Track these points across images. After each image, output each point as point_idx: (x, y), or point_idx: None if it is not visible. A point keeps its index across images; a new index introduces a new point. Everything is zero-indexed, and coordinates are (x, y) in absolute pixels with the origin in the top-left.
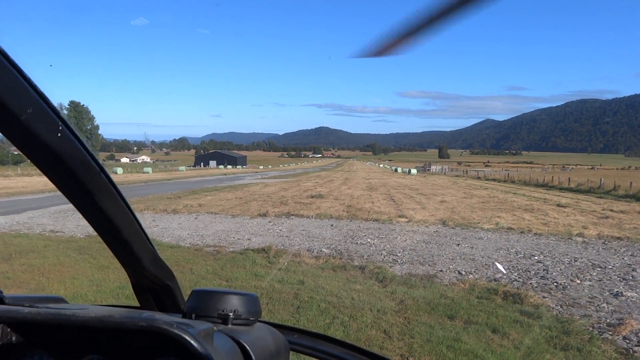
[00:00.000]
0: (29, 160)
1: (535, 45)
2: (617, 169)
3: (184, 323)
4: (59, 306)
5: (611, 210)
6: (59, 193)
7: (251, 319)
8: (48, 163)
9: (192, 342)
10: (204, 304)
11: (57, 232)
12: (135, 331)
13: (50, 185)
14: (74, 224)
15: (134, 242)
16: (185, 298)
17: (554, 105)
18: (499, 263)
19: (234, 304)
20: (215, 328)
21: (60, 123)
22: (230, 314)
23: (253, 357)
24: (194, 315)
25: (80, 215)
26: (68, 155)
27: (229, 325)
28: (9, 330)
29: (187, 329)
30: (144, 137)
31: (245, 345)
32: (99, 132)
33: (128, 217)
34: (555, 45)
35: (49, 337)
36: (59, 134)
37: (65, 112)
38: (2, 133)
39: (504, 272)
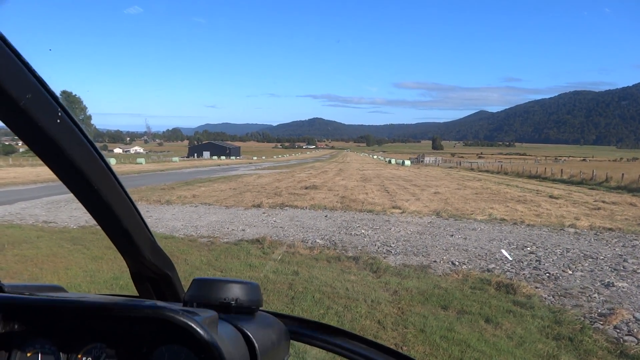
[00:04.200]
0: (21, 151)
1: (533, 35)
2: (609, 160)
3: (189, 311)
4: (60, 294)
5: (603, 202)
6: (52, 184)
7: (253, 307)
8: (47, 150)
9: (198, 329)
10: (205, 293)
11: (50, 222)
12: (137, 319)
13: (43, 175)
14: (66, 214)
15: (134, 230)
16: (184, 288)
17: (547, 97)
18: (504, 250)
19: (235, 292)
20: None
21: (59, 109)
22: (233, 302)
23: (256, 345)
24: (195, 304)
25: (75, 206)
26: (67, 142)
27: (232, 314)
28: (10, 318)
29: (192, 317)
30: (145, 126)
31: (248, 333)
32: (92, 122)
33: (127, 206)
34: (554, 36)
35: (51, 325)
36: (58, 120)
37: None
38: (1, 120)
39: (510, 258)
